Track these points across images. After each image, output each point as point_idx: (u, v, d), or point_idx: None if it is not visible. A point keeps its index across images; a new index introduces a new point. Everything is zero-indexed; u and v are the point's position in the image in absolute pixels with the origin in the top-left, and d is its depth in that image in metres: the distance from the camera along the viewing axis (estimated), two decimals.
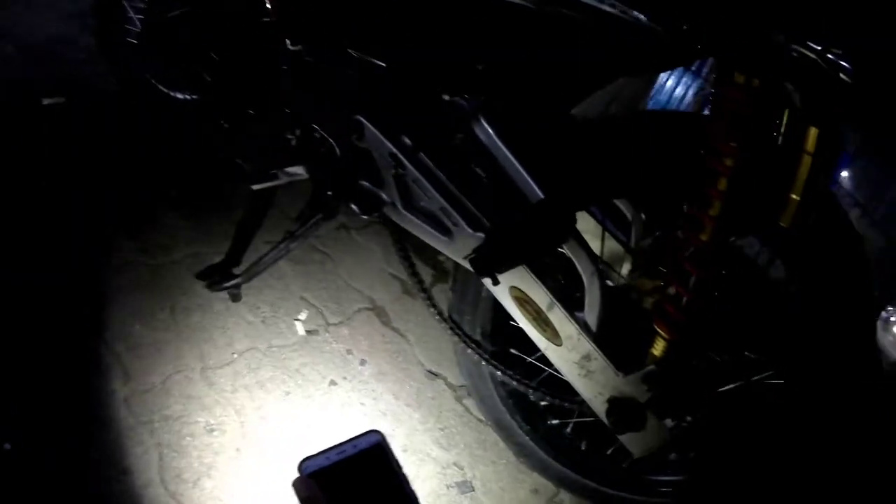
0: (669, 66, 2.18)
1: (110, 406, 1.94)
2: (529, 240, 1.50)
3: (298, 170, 1.92)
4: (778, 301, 1.51)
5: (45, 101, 2.77)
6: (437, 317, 1.89)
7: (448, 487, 2.04)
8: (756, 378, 1.65)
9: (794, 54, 1.15)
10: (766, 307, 1.52)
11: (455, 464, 2.09)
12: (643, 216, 1.67)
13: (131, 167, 2.58)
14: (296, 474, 0.83)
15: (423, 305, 2.33)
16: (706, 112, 1.83)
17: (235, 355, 2.13)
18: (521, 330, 1.71)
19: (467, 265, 1.56)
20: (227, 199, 2.48)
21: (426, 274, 2.50)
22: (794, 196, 1.20)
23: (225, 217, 2.41)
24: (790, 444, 1.67)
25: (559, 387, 1.82)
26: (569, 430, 2.00)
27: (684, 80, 2.64)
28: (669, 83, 2.70)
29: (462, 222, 1.56)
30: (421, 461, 2.07)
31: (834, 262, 1.47)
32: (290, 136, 1.92)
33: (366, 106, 1.67)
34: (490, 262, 1.52)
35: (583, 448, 2.00)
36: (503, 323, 1.85)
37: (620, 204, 1.67)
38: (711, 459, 1.78)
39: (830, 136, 1.17)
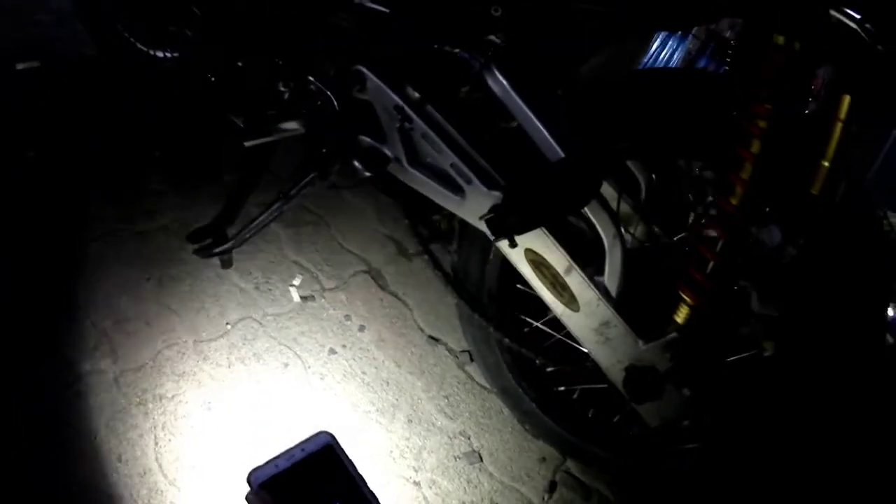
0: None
1: (100, 388, 1.77)
2: (551, 200, 1.39)
3: (293, 125, 1.75)
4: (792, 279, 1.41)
5: (20, 66, 2.55)
6: (442, 280, 1.77)
7: (456, 458, 1.92)
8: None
9: (834, 20, 1.11)
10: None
11: (461, 433, 1.97)
12: (654, 177, 1.58)
13: (111, 130, 2.34)
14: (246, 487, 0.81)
15: (420, 267, 2.23)
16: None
17: (229, 326, 1.97)
18: (528, 293, 1.65)
19: (481, 226, 1.44)
20: (213, 161, 2.28)
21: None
22: (824, 163, 1.17)
23: (211, 180, 2.22)
24: (795, 412, 1.59)
25: (567, 352, 1.76)
26: (575, 396, 1.91)
27: (670, 42, 2.51)
28: (654, 46, 2.58)
29: (476, 180, 1.45)
30: (427, 431, 1.94)
31: (852, 244, 1.39)
32: (282, 89, 1.75)
33: (367, 55, 1.53)
34: (508, 223, 1.41)
35: (590, 415, 1.92)
36: (510, 285, 1.77)
37: (631, 165, 1.57)
38: (723, 428, 1.70)
39: (862, 105, 1.14)
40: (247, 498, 0.84)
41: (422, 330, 2.13)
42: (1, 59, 2.59)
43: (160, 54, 2.42)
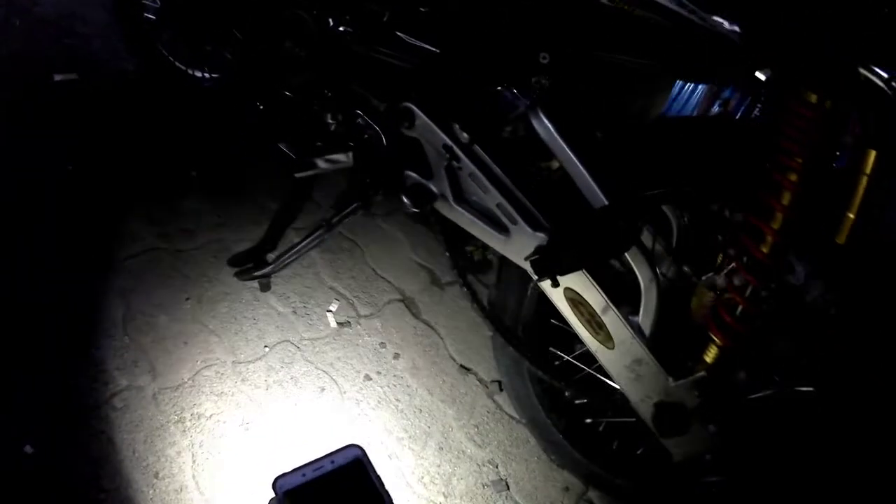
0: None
1: (138, 404, 1.71)
2: (594, 245, 1.38)
3: (340, 157, 1.72)
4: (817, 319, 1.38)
5: (57, 77, 2.49)
6: (480, 312, 1.74)
7: (484, 486, 1.87)
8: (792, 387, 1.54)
9: (862, 78, 1.11)
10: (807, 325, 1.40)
11: (490, 461, 1.92)
12: (686, 220, 1.57)
13: (148, 148, 2.29)
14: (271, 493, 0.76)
15: (452, 297, 2.19)
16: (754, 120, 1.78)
17: (267, 349, 1.91)
18: (560, 328, 1.64)
19: (526, 266, 1.44)
20: (250, 182, 2.24)
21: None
22: (850, 215, 1.16)
23: (248, 201, 2.18)
24: (822, 450, 1.55)
25: (595, 386, 1.74)
26: (601, 428, 1.87)
27: (688, 85, 2.48)
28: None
29: (521, 220, 1.43)
30: (457, 459, 1.88)
31: (876, 284, 1.35)
32: (330, 121, 1.73)
33: (417, 93, 1.50)
34: (552, 264, 1.41)
35: (614, 447, 1.87)
36: (544, 320, 1.75)
37: (664, 208, 1.56)
38: (747, 464, 1.66)
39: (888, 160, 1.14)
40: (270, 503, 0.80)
41: (453, 359, 2.08)
42: (39, 69, 2.54)
43: (199, 74, 2.39)
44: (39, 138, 2.26)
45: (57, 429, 1.64)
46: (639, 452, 1.85)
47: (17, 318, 1.80)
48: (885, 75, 1.10)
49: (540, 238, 1.41)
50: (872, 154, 1.14)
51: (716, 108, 2.40)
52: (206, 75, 2.34)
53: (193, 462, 1.66)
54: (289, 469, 0.82)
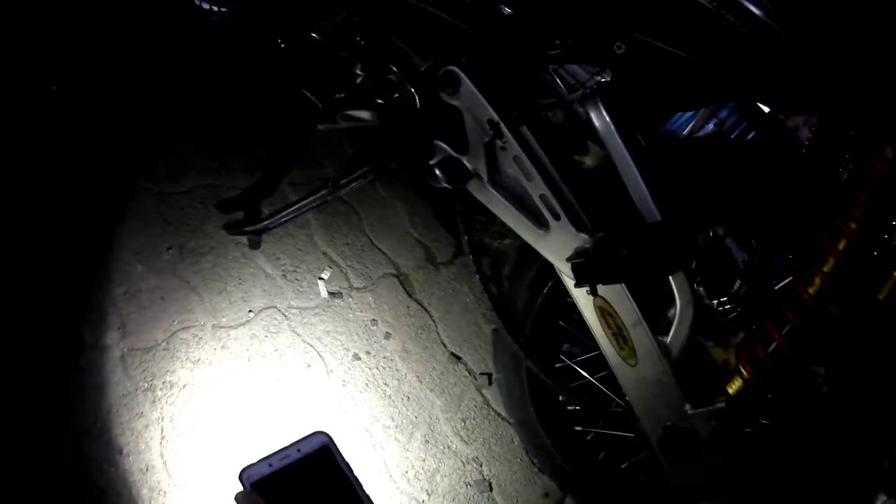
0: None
1: (104, 367, 1.45)
2: (647, 259, 1.20)
3: (365, 114, 1.50)
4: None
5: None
6: (490, 303, 1.57)
7: (467, 486, 1.70)
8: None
9: None
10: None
11: (474, 459, 1.74)
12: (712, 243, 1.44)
13: (140, 79, 1.90)
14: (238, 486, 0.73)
15: (447, 278, 2.00)
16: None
17: (252, 314, 1.67)
18: (567, 332, 1.60)
19: (564, 267, 1.26)
20: (249, 131, 1.94)
21: (449, 245, 2.09)
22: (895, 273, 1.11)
23: (245, 150, 1.89)
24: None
25: (593, 395, 1.65)
26: (589, 438, 1.74)
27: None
28: None
29: (564, 217, 1.23)
30: (442, 454, 1.71)
31: None
32: (358, 73, 1.50)
33: (467, 58, 1.28)
34: (597, 272, 1.22)
35: (599, 459, 1.75)
36: (552, 321, 1.63)
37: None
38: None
39: None
40: (236, 498, 0.73)
41: (444, 345, 1.88)
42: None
43: (206, 6, 2.10)
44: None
45: (6, 389, 1.37)
46: (623, 467, 1.73)
47: None
48: None
49: (583, 239, 1.22)
50: None
51: (710, 127, 2.27)
52: (216, 9, 2.05)
53: (162, 438, 1.44)
54: (255, 460, 0.76)
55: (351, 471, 0.78)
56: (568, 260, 1.25)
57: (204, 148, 1.85)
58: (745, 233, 1.38)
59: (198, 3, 2.05)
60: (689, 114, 2.20)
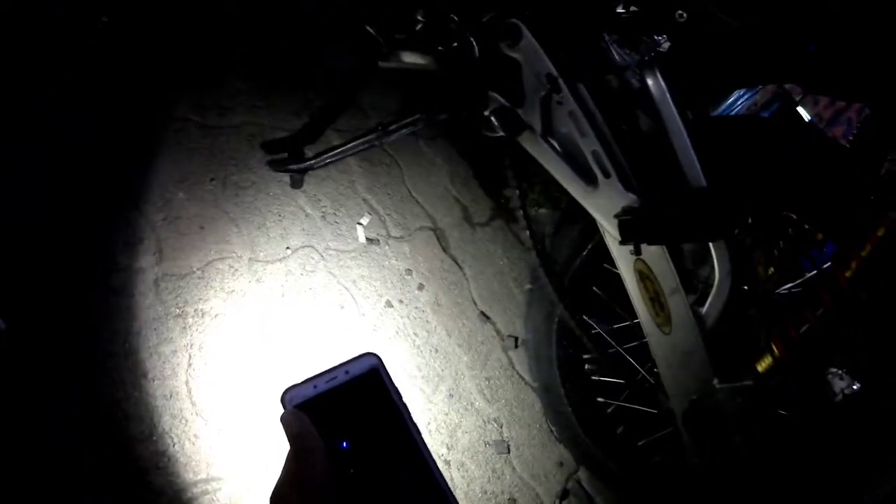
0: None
1: (136, 289, 1.42)
2: (691, 223, 1.20)
3: (424, 59, 1.46)
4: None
5: None
6: (540, 262, 1.54)
7: (486, 445, 1.66)
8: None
9: None
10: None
11: (495, 420, 1.70)
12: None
13: (194, 14, 1.86)
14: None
15: (482, 238, 1.95)
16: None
17: (289, 251, 1.63)
18: (600, 298, 1.58)
19: (610, 224, 1.24)
20: (300, 73, 1.88)
21: (486, 206, 2.03)
22: None
23: (295, 91, 1.84)
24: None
25: (619, 367, 1.62)
26: (610, 410, 1.71)
27: (740, 91, 2.30)
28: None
29: (615, 175, 1.21)
30: (465, 410, 1.67)
31: None
32: (420, 18, 1.45)
33: (531, 11, 1.25)
34: (642, 230, 1.21)
35: (618, 432, 1.72)
36: (587, 286, 1.60)
37: None
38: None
39: None
40: (282, 418, 0.66)
41: (475, 303, 1.83)
42: None
43: None
44: None
45: (37, 301, 1.35)
46: (641, 444, 1.70)
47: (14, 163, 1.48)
48: None
49: (630, 199, 1.20)
50: None
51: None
52: None
53: (189, 365, 1.41)
54: (299, 380, 0.67)
55: (400, 397, 0.71)
56: (615, 217, 1.22)
57: (255, 86, 1.81)
58: (782, 220, 1.35)
59: None
60: (747, 93, 2.16)
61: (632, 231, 1.21)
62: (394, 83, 1.94)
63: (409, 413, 0.70)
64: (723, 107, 2.24)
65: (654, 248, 1.26)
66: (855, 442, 1.30)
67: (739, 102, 2.23)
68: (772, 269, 1.35)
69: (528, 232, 1.50)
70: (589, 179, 1.24)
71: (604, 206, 1.25)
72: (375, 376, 0.72)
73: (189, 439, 1.34)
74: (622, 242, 1.22)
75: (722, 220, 1.19)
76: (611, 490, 1.85)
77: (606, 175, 1.21)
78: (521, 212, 1.51)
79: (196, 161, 1.63)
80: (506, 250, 1.96)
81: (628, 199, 1.20)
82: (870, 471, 1.29)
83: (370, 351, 0.72)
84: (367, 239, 1.75)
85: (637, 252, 1.24)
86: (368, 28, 1.38)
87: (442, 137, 2.04)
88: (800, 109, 2.09)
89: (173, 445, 1.33)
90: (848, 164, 1.36)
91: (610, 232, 1.26)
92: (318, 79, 1.85)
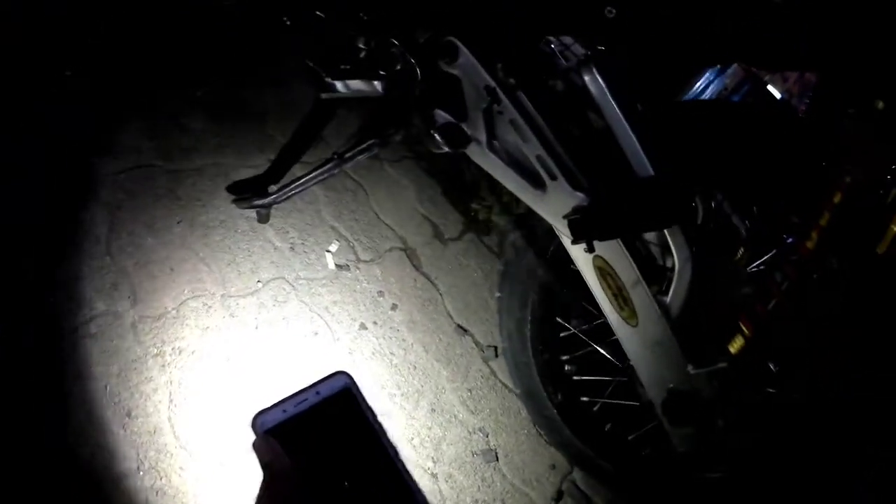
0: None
1: (115, 333, 1.45)
2: (640, 213, 1.21)
3: (368, 86, 1.49)
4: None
5: None
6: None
7: (473, 454, 1.68)
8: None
9: None
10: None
11: (480, 429, 1.72)
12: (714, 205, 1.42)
13: (153, 61, 1.90)
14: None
15: (454, 253, 1.97)
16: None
17: (260, 284, 1.66)
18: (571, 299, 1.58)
19: (561, 225, 1.24)
20: (259, 109, 1.93)
21: (456, 221, 2.05)
22: (893, 227, 1.09)
23: (255, 128, 1.88)
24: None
25: (598, 365, 1.63)
26: (596, 409, 1.71)
27: (707, 75, 2.31)
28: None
29: (561, 177, 1.23)
30: (448, 423, 1.68)
31: None
32: (361, 47, 1.49)
33: (463, 28, 1.27)
34: (593, 227, 1.21)
35: (606, 430, 1.72)
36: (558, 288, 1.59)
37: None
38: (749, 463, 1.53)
39: None
40: (253, 446, 0.66)
41: (451, 317, 1.85)
42: None
43: None
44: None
45: (21, 352, 1.37)
46: (630, 438, 1.70)
47: None
48: None
49: (579, 198, 1.21)
50: None
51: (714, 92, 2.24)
52: None
53: (170, 402, 1.43)
54: (269, 405, 0.68)
55: (374, 415, 0.71)
56: (564, 217, 1.23)
57: (214, 126, 1.84)
58: (747, 199, 1.36)
59: None
60: (714, 77, 2.18)
61: (581, 229, 1.21)
62: (353, 106, 1.96)
63: (384, 431, 0.70)
64: (691, 92, 2.26)
65: (608, 243, 1.26)
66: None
67: (709, 87, 2.25)
68: (741, 250, 1.37)
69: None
70: (537, 184, 1.26)
71: (553, 209, 1.26)
72: (347, 396, 0.71)
73: (175, 472, 1.37)
74: (574, 242, 1.24)
75: (669, 206, 1.20)
76: (607, 488, 1.85)
77: (553, 177, 1.23)
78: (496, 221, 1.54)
79: (163, 206, 1.67)
80: (479, 262, 1.99)
81: (577, 198, 1.21)
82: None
83: (341, 370, 0.72)
84: (337, 265, 1.78)
85: (590, 249, 1.24)
86: (309, 62, 1.41)
87: (407, 158, 2.07)
88: (770, 88, 2.11)
89: (160, 479, 1.35)
90: (804, 134, 1.38)
91: (563, 233, 1.26)
92: (278, 112, 1.89)
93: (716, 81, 2.25)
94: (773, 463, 1.49)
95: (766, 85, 2.11)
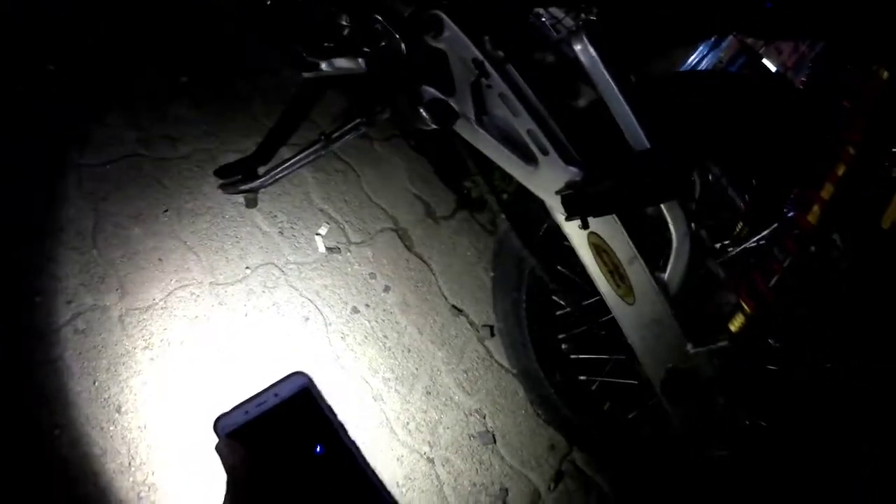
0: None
1: (103, 327, 1.41)
2: (636, 188, 1.15)
3: (351, 63, 1.44)
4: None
5: None
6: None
7: (470, 437, 1.66)
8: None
9: None
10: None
11: (477, 411, 1.70)
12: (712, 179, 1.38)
13: (136, 48, 1.84)
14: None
15: (447, 232, 1.93)
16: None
17: (249, 270, 1.62)
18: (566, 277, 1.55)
19: (554, 201, 1.21)
20: (244, 94, 1.87)
21: (449, 200, 2.02)
22: None
23: (241, 113, 1.82)
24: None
25: (595, 343, 1.61)
26: (594, 388, 1.69)
27: (701, 48, 2.26)
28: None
29: (553, 151, 1.19)
30: (444, 406, 1.66)
31: None
32: (344, 24, 1.44)
33: (450, 1, 1.23)
34: (586, 203, 1.17)
35: (605, 409, 1.70)
36: (552, 264, 1.56)
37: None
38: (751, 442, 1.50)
39: None
40: (216, 449, 0.67)
41: (445, 298, 1.82)
42: None
43: None
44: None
45: (7, 350, 1.34)
46: (630, 417, 1.68)
47: None
48: None
49: (572, 172, 1.18)
50: None
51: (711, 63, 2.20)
52: None
53: (160, 395, 1.40)
54: (229, 408, 0.70)
55: (334, 414, 0.71)
56: (557, 193, 1.20)
57: (201, 112, 1.80)
58: (746, 172, 1.32)
59: None
60: (710, 50, 2.13)
61: (575, 205, 1.18)
62: (339, 86, 1.91)
63: (344, 429, 0.71)
64: (685, 66, 2.22)
65: (604, 219, 1.24)
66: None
67: (704, 60, 2.21)
68: (741, 225, 1.33)
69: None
70: (529, 159, 1.23)
71: (546, 185, 1.23)
72: (306, 396, 0.72)
73: (167, 467, 1.34)
74: (568, 218, 1.20)
75: (666, 180, 1.15)
76: (608, 467, 1.83)
77: (545, 152, 1.20)
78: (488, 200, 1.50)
79: (149, 196, 1.62)
80: (473, 241, 1.95)
81: (570, 173, 1.18)
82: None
83: (299, 371, 0.73)
84: (327, 248, 1.74)
85: (585, 226, 1.21)
86: (293, 45, 1.37)
87: (397, 137, 2.03)
88: (765, 61, 2.07)
89: (153, 474, 1.32)
90: (803, 105, 1.34)
91: (556, 209, 1.23)
92: (264, 97, 1.84)
93: (710, 55, 2.20)
94: (774, 444, 1.47)
95: (762, 58, 2.08)
